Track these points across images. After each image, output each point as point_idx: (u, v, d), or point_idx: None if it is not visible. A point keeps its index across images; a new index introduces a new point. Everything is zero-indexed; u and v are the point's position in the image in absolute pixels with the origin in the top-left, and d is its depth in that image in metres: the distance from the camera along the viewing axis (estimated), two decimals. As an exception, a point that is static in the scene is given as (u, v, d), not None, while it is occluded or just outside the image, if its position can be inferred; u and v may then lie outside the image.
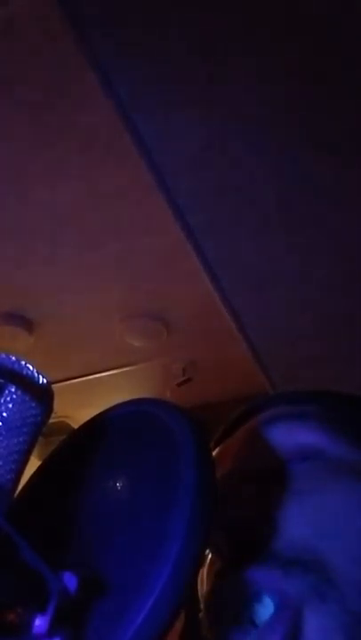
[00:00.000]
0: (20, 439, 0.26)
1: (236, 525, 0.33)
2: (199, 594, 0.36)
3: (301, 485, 0.36)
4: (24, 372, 0.27)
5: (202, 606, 0.36)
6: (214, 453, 0.41)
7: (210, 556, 0.36)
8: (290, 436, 0.39)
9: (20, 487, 0.29)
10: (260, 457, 0.39)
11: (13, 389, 0.26)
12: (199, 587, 0.36)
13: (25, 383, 0.27)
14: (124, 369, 1.65)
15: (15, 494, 0.28)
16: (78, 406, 1.58)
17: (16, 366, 0.27)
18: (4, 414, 0.26)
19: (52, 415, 0.29)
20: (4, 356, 0.27)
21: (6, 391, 0.26)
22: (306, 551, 0.32)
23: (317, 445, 0.38)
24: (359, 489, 0.36)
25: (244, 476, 0.37)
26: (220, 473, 0.36)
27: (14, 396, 0.26)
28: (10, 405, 0.26)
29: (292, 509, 0.34)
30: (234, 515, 0.33)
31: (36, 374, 0.28)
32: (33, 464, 0.32)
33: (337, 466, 0.37)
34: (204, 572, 0.36)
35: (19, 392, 0.26)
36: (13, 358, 0.27)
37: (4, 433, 0.26)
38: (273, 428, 0.40)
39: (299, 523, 0.34)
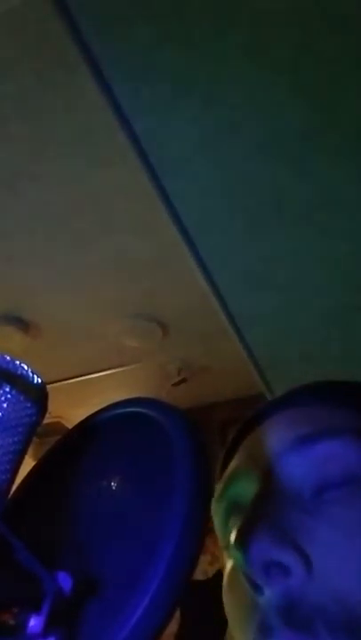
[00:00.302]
0: (15, 439, 0.26)
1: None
2: None
3: (339, 521, 0.31)
4: (19, 372, 0.27)
5: None
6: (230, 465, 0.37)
7: None
8: (314, 466, 0.33)
9: (14, 487, 0.29)
10: (281, 486, 0.33)
11: (8, 389, 0.26)
12: None
13: (20, 383, 0.27)
14: (120, 369, 1.65)
15: (10, 494, 0.28)
16: (73, 406, 1.58)
17: (11, 366, 0.27)
18: (-1, 414, 0.26)
19: (47, 415, 0.29)
20: (-2, 355, 0.27)
21: (1, 391, 0.26)
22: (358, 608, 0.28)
23: (350, 468, 0.33)
24: None
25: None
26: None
27: (9, 396, 0.26)
28: (4, 405, 0.26)
29: (335, 552, 0.30)
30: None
31: (30, 374, 0.28)
32: (27, 464, 0.32)
33: None
34: None
35: (13, 392, 0.26)
36: (8, 358, 0.27)
37: (-2, 433, 0.26)
38: (292, 455, 0.34)
39: (346, 570, 0.29)
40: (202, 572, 1.52)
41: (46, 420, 0.29)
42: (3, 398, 0.26)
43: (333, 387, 0.40)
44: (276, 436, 0.36)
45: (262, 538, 0.29)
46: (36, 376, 0.28)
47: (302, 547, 0.30)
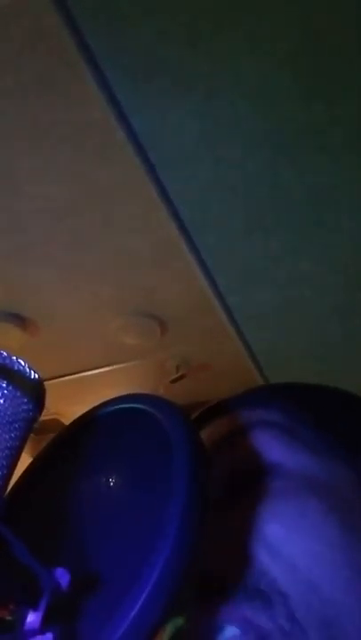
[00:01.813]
0: (12, 435, 0.26)
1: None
2: None
3: (269, 508, 0.33)
4: (16, 368, 0.27)
5: None
6: None
7: None
8: (253, 451, 0.36)
9: (11, 484, 0.29)
10: (226, 470, 0.36)
11: (5, 385, 0.26)
12: None
13: (17, 379, 0.27)
14: (118, 366, 1.65)
15: (7, 491, 0.28)
16: (70, 403, 1.58)
17: (8, 362, 0.27)
18: (-4, 410, 0.26)
19: (44, 412, 0.29)
20: (-5, 351, 0.27)
21: (-3, 387, 0.26)
22: (273, 584, 0.31)
23: (278, 460, 0.36)
24: (320, 516, 0.32)
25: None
26: None
27: (5, 392, 0.26)
28: (1, 401, 0.26)
29: (262, 536, 0.32)
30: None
31: (28, 370, 0.28)
32: (24, 461, 0.32)
33: (299, 484, 0.34)
34: None
35: (10, 388, 0.26)
36: (5, 354, 0.27)
37: (-5, 429, 0.26)
38: (239, 438, 0.37)
39: (266, 554, 0.32)
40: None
41: (43, 417, 0.29)
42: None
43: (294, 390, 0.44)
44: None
45: None
46: (33, 372, 0.28)
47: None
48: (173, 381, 1.64)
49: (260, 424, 0.38)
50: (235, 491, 0.35)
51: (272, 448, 0.36)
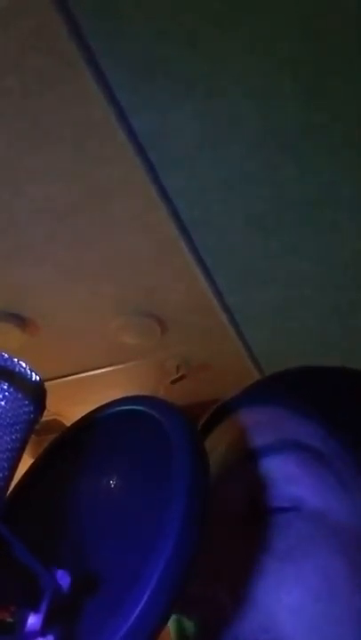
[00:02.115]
0: (13, 437, 0.26)
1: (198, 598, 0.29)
2: None
3: (277, 547, 0.30)
4: (16, 370, 0.27)
5: None
6: None
7: None
8: (276, 478, 0.32)
9: (12, 485, 0.29)
10: (229, 497, 0.33)
11: (5, 386, 0.26)
12: None
13: (17, 380, 0.27)
14: (118, 366, 1.64)
15: (8, 492, 0.28)
16: (71, 404, 1.58)
17: (8, 363, 0.27)
18: (-3, 412, 0.26)
19: (45, 413, 0.29)
20: (-4, 353, 0.27)
21: (-2, 388, 0.26)
22: (276, 628, 0.29)
23: (302, 494, 0.31)
24: (340, 568, 0.29)
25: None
26: None
27: (6, 394, 0.26)
28: (2, 403, 0.26)
29: (268, 581, 0.30)
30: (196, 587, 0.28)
31: (28, 371, 0.28)
32: (26, 462, 0.32)
33: (318, 529, 0.31)
34: None
35: (11, 389, 0.26)
36: (5, 355, 0.27)
37: (-4, 430, 0.26)
38: (259, 459, 0.33)
39: (273, 600, 0.29)
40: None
41: (44, 418, 0.29)
42: (0, 396, 0.26)
43: (309, 382, 0.38)
44: (226, 448, 0.35)
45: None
46: (33, 373, 0.28)
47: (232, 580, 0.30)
48: (174, 382, 1.64)
49: (288, 444, 0.33)
50: (246, 520, 0.32)
51: (299, 479, 0.32)
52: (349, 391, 0.37)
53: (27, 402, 0.27)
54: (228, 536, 0.32)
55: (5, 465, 0.26)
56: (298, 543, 0.30)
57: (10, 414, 0.26)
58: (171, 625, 0.33)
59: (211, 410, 0.39)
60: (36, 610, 0.25)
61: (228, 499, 0.33)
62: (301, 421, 0.34)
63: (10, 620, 0.25)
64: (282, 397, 0.36)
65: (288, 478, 0.32)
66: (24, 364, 0.27)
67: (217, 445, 0.36)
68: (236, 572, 0.30)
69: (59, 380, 1.65)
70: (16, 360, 0.27)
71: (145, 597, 0.25)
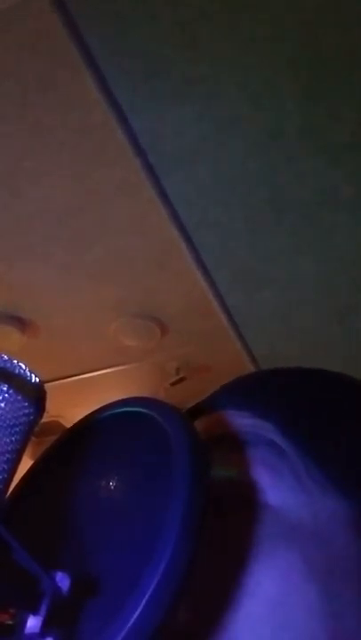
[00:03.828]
0: (12, 438, 0.26)
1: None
2: None
3: (236, 552, 0.29)
4: (16, 371, 0.27)
5: None
6: None
7: None
8: (241, 472, 0.31)
9: (12, 487, 0.29)
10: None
11: (5, 388, 0.26)
12: None
13: (17, 382, 0.26)
14: (118, 368, 1.64)
15: (7, 494, 0.28)
16: (71, 406, 1.58)
17: (8, 365, 0.27)
18: (-4, 413, 0.26)
19: (45, 415, 0.29)
20: (-4, 355, 0.27)
21: (-2, 390, 0.26)
22: None
23: (264, 495, 0.31)
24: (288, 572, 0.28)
25: None
26: None
27: (6, 395, 0.26)
28: (2, 404, 0.26)
29: (229, 593, 0.28)
30: None
31: (28, 373, 0.27)
32: (25, 464, 0.32)
33: (280, 532, 0.30)
34: None
35: (11, 391, 0.26)
36: (5, 357, 0.27)
37: (-4, 432, 0.26)
38: (229, 453, 0.32)
39: (234, 614, 0.28)
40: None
41: (44, 420, 0.29)
42: (0, 398, 0.26)
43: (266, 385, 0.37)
44: None
45: None
46: (33, 375, 0.27)
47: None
48: (173, 384, 1.64)
49: (252, 437, 0.32)
50: (212, 519, 0.30)
51: (260, 473, 0.31)
52: (307, 388, 0.37)
53: (26, 404, 0.27)
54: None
55: (5, 467, 0.26)
56: (257, 544, 0.29)
57: (9, 416, 0.26)
58: None
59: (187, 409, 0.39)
60: (35, 612, 0.25)
61: None
62: (263, 417, 0.34)
63: (9, 622, 0.25)
64: (246, 401, 0.36)
65: (250, 471, 0.31)
66: (24, 366, 0.27)
67: None
68: (199, 587, 0.28)
69: (59, 382, 1.65)
70: (16, 362, 0.27)
71: (144, 600, 0.25)
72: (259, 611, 0.28)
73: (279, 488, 0.31)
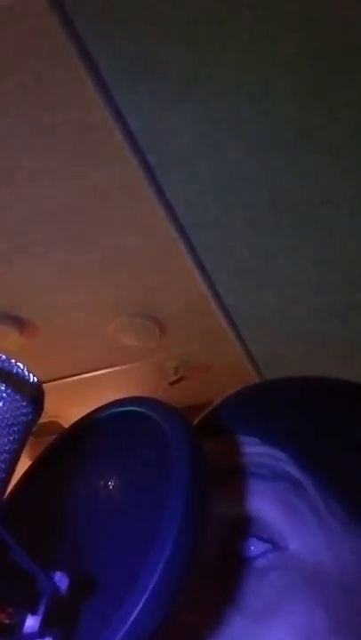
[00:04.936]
0: (11, 438, 0.26)
1: None
2: None
3: (253, 605, 0.27)
4: (14, 371, 0.27)
5: None
6: None
7: None
8: (251, 511, 0.28)
9: (10, 487, 0.29)
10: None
11: (3, 388, 0.26)
12: None
13: (15, 382, 0.26)
14: (116, 368, 1.64)
15: (5, 494, 0.28)
16: (69, 405, 1.58)
17: (6, 365, 0.27)
18: (-5, 413, 0.26)
19: (43, 415, 0.29)
20: (-6, 354, 0.27)
21: (-4, 390, 0.26)
22: None
23: (276, 532, 0.28)
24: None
25: None
26: None
27: (4, 395, 0.26)
28: (0, 404, 0.26)
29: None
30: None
31: (26, 373, 0.27)
32: (23, 464, 0.32)
33: (299, 574, 0.27)
34: None
35: (9, 391, 0.26)
36: (3, 357, 0.27)
37: (-6, 432, 0.26)
38: (235, 485, 0.29)
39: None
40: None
41: (42, 420, 0.29)
42: (-2, 397, 0.26)
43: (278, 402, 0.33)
44: None
45: None
46: (32, 375, 0.27)
47: None
48: (172, 383, 1.64)
49: (265, 470, 0.29)
50: (218, 572, 0.28)
51: (279, 514, 0.28)
52: (323, 405, 0.34)
53: (24, 403, 0.27)
54: (199, 591, 0.28)
55: (3, 467, 0.26)
56: (276, 598, 0.27)
57: (7, 416, 0.26)
58: None
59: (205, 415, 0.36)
60: (33, 612, 0.25)
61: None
62: (274, 444, 0.31)
63: (7, 621, 0.25)
64: (255, 422, 0.33)
65: (267, 513, 0.28)
66: (22, 366, 0.27)
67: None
68: (206, 635, 0.27)
69: (57, 382, 1.65)
70: (14, 361, 0.27)
71: (143, 599, 0.25)
72: None
73: (300, 530, 0.28)
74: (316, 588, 0.27)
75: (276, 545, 0.28)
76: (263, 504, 0.28)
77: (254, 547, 0.28)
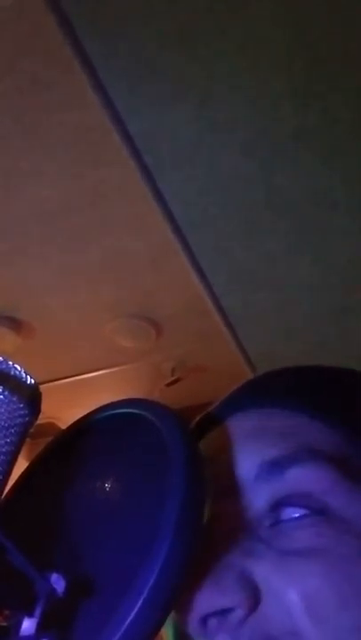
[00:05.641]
0: (8, 440, 0.26)
1: None
2: None
3: (297, 545, 0.29)
4: (11, 373, 0.27)
5: None
6: None
7: None
8: (277, 495, 0.30)
9: (7, 489, 0.29)
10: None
11: (0, 390, 0.26)
12: None
13: (12, 383, 0.26)
14: (113, 369, 1.64)
15: (2, 496, 0.28)
16: (66, 407, 1.58)
17: (3, 366, 0.27)
18: (-8, 415, 0.26)
19: (40, 416, 0.29)
20: (-9, 356, 0.27)
21: (-7, 392, 0.26)
22: None
23: (322, 504, 0.30)
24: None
25: None
26: None
27: (1, 397, 0.26)
28: (-3, 406, 0.26)
29: (284, 576, 0.28)
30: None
31: (23, 375, 0.27)
32: (20, 466, 0.32)
33: (345, 530, 0.29)
34: None
35: (6, 393, 0.26)
36: (0, 359, 0.27)
37: (-9, 434, 0.26)
38: (255, 484, 0.31)
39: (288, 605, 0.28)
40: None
41: (39, 421, 0.29)
42: (-5, 399, 0.26)
43: (307, 380, 0.36)
44: (237, 457, 0.32)
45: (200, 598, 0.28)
46: (28, 377, 0.27)
47: (251, 580, 0.29)
48: (169, 385, 1.64)
49: (310, 453, 0.31)
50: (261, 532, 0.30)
51: (327, 491, 0.30)
52: (354, 388, 0.36)
53: (22, 405, 0.27)
54: (233, 550, 0.30)
55: (0, 469, 0.26)
56: (323, 540, 0.29)
57: (5, 417, 0.26)
58: (167, 629, 0.33)
59: (200, 416, 0.37)
60: (30, 614, 0.25)
61: (238, 514, 0.31)
62: (317, 426, 0.32)
63: (4, 624, 0.25)
64: (286, 400, 0.34)
65: (314, 491, 0.30)
66: (19, 368, 0.27)
67: (216, 454, 0.33)
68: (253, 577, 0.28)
69: (54, 383, 1.64)
70: (11, 363, 0.27)
71: (140, 601, 0.25)
72: (316, 588, 0.28)
73: (348, 502, 0.30)
74: (358, 541, 0.29)
75: (323, 510, 0.30)
76: (313, 481, 0.30)
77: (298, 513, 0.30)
